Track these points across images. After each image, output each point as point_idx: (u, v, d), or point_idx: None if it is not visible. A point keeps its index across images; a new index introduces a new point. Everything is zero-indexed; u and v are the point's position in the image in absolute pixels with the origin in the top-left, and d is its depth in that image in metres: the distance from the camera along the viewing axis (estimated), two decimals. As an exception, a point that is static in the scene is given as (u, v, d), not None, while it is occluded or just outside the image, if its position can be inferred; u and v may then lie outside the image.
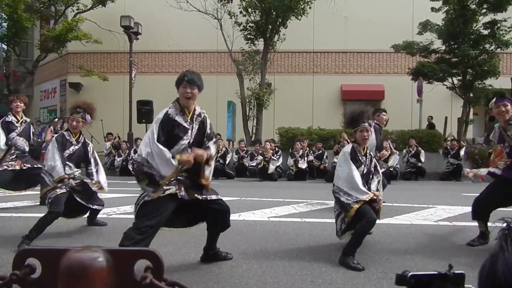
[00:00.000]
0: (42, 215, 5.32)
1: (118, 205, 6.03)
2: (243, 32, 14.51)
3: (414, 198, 7.28)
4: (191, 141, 3.14)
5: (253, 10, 14.12)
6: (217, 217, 3.23)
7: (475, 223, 4.98)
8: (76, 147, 4.36)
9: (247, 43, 14.51)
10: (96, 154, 4.58)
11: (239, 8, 14.20)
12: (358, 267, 3.20)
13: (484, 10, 13.69)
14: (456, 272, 0.71)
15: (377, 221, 5.02)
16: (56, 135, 4.37)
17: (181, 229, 3.37)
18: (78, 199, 4.23)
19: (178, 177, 3.05)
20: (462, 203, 6.65)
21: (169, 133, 3.07)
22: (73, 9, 16.13)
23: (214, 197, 3.17)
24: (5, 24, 15.26)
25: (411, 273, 0.71)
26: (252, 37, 14.49)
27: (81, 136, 4.46)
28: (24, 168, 5.64)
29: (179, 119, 3.13)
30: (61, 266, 0.64)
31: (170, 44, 18.13)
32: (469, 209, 6.02)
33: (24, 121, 5.80)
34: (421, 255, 3.59)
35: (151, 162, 2.94)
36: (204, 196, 3.11)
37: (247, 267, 3.23)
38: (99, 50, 17.60)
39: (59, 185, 4.07)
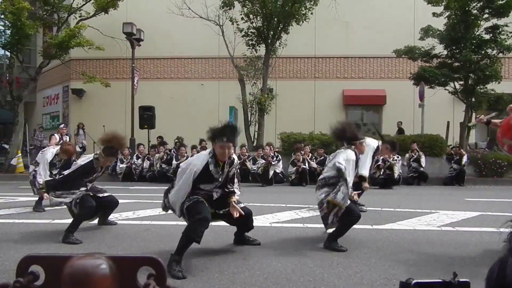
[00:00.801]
0: (43, 221, 5.34)
1: (120, 211, 6.01)
2: (245, 38, 14.57)
3: (417, 203, 7.25)
4: (217, 185, 3.67)
5: (254, 16, 14.18)
6: (239, 221, 3.80)
7: (478, 228, 4.97)
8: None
9: (249, 48, 14.56)
10: None
11: (241, 14, 14.27)
12: (342, 249, 3.84)
13: (486, 15, 13.71)
14: (461, 280, 0.71)
15: (380, 227, 5.03)
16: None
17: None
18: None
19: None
20: (465, 208, 6.63)
21: (200, 177, 3.53)
22: (75, 16, 16.22)
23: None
24: (8, 32, 15.35)
25: (415, 281, 0.71)
26: (254, 43, 14.54)
27: None
28: None
29: (212, 168, 3.56)
30: (64, 273, 0.64)
31: (172, 50, 18.21)
32: (472, 214, 6.01)
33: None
34: (424, 261, 3.57)
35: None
36: (224, 210, 3.73)
37: (249, 273, 3.21)
38: (102, 56, 17.69)
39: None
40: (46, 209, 6.27)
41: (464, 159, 11.74)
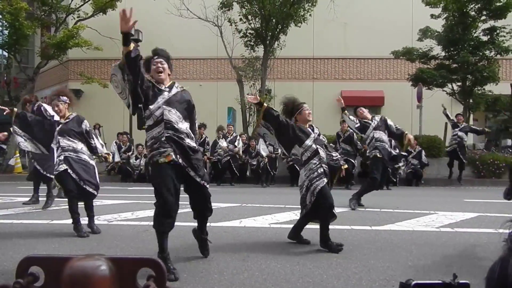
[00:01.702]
0: (42, 222, 5.32)
1: (119, 211, 6.01)
2: (243, 39, 14.58)
3: (416, 204, 7.26)
4: (168, 102, 3.47)
5: (253, 17, 14.19)
6: (198, 201, 3.44)
7: (477, 229, 4.98)
8: None
9: (247, 49, 14.57)
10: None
11: (239, 15, 14.28)
12: (339, 248, 3.87)
13: (483, 17, 13.75)
14: (461, 281, 0.71)
15: (379, 228, 5.04)
16: None
17: (182, 237, 3.42)
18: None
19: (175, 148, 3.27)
20: (464, 209, 6.64)
21: (147, 90, 3.46)
22: (74, 16, 16.21)
23: (203, 182, 3.35)
24: (6, 32, 15.33)
25: (414, 282, 0.71)
26: (252, 43, 14.55)
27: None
28: None
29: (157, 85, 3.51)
30: (64, 274, 0.64)
31: (170, 51, 18.16)
32: (470, 215, 6.03)
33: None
34: (422, 262, 3.57)
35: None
36: (194, 174, 3.29)
37: (248, 274, 3.21)
38: (100, 57, 17.67)
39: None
40: (45, 208, 6.24)
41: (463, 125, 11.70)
